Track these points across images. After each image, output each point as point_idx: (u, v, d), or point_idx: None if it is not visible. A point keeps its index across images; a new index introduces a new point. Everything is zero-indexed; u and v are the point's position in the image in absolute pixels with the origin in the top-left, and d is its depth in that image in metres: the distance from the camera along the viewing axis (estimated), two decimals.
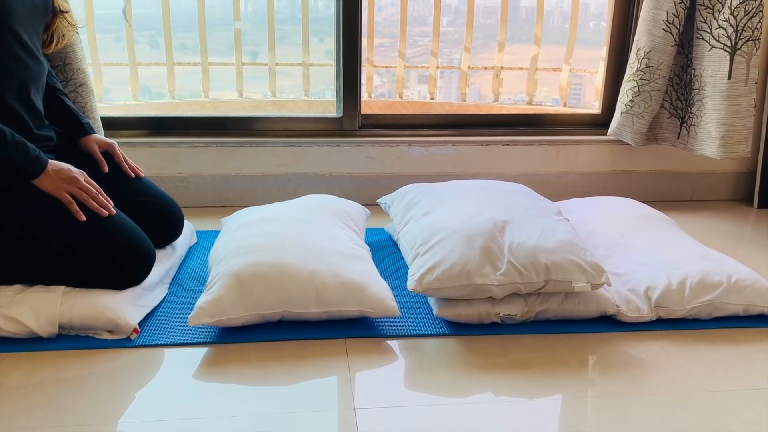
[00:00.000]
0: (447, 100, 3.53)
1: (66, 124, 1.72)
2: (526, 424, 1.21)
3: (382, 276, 1.59)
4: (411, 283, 1.51)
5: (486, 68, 3.33)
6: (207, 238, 1.96)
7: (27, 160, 1.46)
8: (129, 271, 1.51)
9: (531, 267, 1.50)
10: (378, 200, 2.04)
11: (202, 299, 1.44)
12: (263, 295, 1.45)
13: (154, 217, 1.68)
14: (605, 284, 1.52)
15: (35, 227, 1.46)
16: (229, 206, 1.71)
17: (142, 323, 1.48)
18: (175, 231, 1.76)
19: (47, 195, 1.47)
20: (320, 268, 1.50)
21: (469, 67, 3.31)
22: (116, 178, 1.69)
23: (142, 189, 1.73)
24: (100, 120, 2.11)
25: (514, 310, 1.51)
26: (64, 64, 1.98)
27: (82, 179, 1.52)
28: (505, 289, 1.49)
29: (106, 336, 1.42)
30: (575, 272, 1.50)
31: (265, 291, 1.45)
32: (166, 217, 1.71)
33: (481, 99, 3.64)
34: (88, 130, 1.73)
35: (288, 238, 1.59)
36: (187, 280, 1.72)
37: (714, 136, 2.22)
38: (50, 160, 1.50)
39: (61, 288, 1.45)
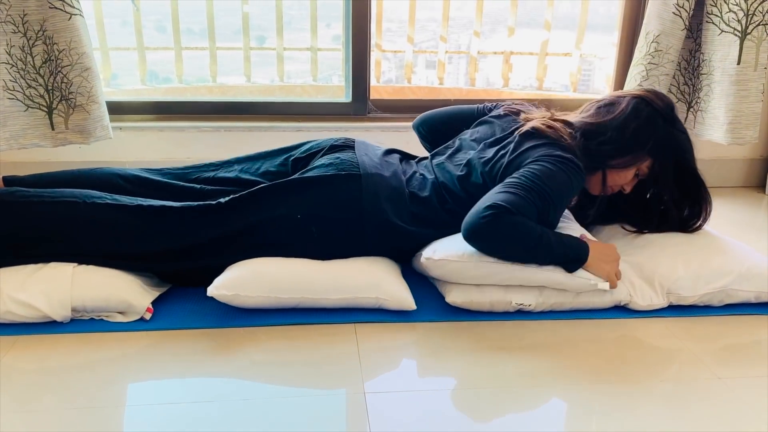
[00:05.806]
0: (455, 85, 3.50)
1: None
2: (535, 410, 1.20)
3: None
4: None
5: (495, 53, 3.30)
6: None
7: (574, 247, 1.45)
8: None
9: None
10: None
11: (225, 274, 1.47)
12: (282, 277, 1.47)
13: None
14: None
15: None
16: None
17: (153, 307, 1.48)
18: None
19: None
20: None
21: (478, 52, 3.28)
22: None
23: None
24: (105, 105, 2.11)
25: (528, 300, 1.50)
26: (69, 48, 1.97)
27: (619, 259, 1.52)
28: None
29: (119, 318, 1.43)
30: None
31: (285, 274, 1.47)
32: None
33: (489, 84, 3.61)
34: None
35: None
36: None
37: (722, 121, 2.20)
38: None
39: (71, 267, 1.45)
